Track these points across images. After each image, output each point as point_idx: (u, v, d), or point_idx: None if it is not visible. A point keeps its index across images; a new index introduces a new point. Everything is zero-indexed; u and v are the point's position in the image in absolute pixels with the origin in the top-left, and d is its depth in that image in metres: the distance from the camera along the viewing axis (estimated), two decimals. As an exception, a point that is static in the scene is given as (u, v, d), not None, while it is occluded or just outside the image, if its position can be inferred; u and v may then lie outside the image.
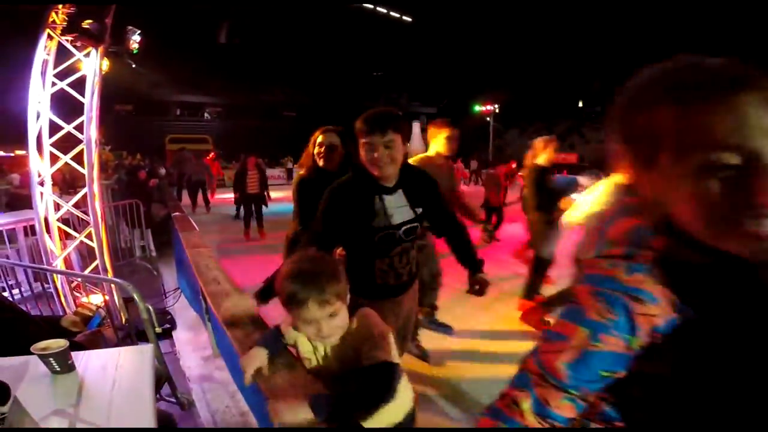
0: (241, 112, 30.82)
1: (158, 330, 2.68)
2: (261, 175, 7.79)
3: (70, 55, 3.59)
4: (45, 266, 3.43)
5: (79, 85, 3.60)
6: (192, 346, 3.47)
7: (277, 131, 28.79)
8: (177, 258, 4.87)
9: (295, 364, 1.38)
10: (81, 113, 3.55)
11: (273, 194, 8.72)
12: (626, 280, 0.63)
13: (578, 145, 27.43)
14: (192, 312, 3.98)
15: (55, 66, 3.60)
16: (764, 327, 0.59)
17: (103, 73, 3.66)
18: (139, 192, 6.45)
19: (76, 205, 3.72)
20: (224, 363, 3.00)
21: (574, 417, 0.69)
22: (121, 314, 3.28)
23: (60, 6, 3.39)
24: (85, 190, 3.61)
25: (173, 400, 2.58)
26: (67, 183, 6.36)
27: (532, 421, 0.68)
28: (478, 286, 1.96)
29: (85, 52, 3.57)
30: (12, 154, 15.11)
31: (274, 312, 1.51)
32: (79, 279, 3.69)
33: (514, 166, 10.71)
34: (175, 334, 3.59)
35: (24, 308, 2.23)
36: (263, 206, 7.79)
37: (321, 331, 1.21)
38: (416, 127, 18.79)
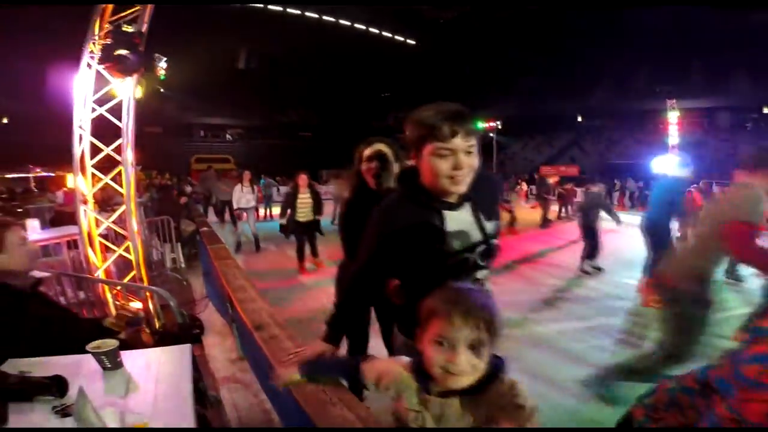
0: (260, 133, 31.43)
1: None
2: (314, 197, 6.08)
3: (107, 82, 3.66)
4: (89, 276, 3.54)
5: (116, 109, 3.69)
6: (219, 349, 3.55)
7: (293, 150, 29.22)
8: (204, 269, 4.97)
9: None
10: (118, 137, 3.69)
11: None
12: None
13: (578, 159, 27.37)
14: (219, 318, 4.07)
15: (94, 92, 3.68)
16: None
17: (137, 98, 3.76)
18: (169, 209, 6.60)
19: (114, 222, 3.85)
20: (248, 365, 3.08)
21: None
22: (156, 320, 3.38)
23: (97, 38, 3.53)
24: (123, 207, 3.74)
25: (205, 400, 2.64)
26: (104, 201, 6.54)
27: None
28: None
29: (121, 79, 3.63)
30: (53, 174, 15.55)
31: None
32: (119, 287, 3.80)
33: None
34: (204, 338, 3.68)
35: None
36: (318, 234, 6.25)
37: (456, 362, 0.94)
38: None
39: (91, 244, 3.69)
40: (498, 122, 27.73)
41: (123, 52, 3.40)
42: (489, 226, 1.34)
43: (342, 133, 25.77)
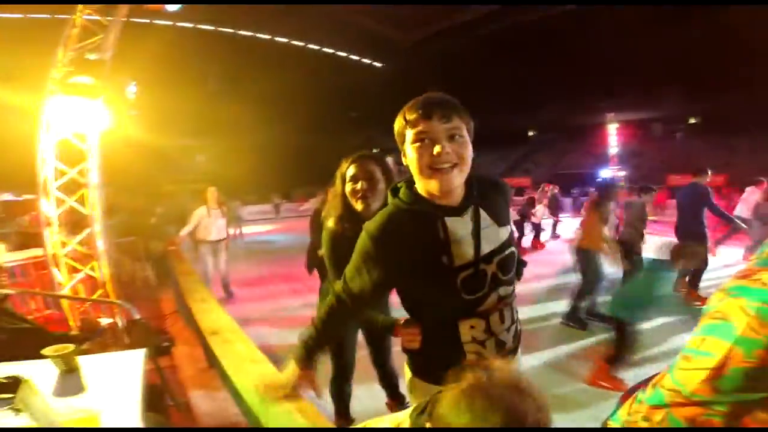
0: (231, 153, 30.89)
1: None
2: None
3: (73, 107, 3.57)
4: (56, 293, 3.48)
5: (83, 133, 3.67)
6: (188, 359, 3.54)
7: (264, 170, 28.90)
8: (173, 284, 4.95)
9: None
10: (84, 159, 3.66)
11: (265, 227, 7.45)
12: None
13: (531, 171, 28.33)
14: (190, 331, 4.04)
15: (59, 117, 3.60)
16: None
17: (105, 121, 3.70)
18: (139, 230, 6.52)
19: (81, 243, 3.79)
20: (216, 372, 3.09)
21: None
22: (125, 334, 3.33)
23: (60, 65, 3.51)
24: (88, 230, 3.69)
25: (172, 404, 2.64)
26: (74, 224, 6.39)
27: None
28: None
29: (84, 103, 3.57)
30: (21, 198, 14.91)
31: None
32: (87, 304, 3.73)
33: None
34: (174, 350, 3.65)
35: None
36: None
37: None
38: (390, 161, 19.12)
39: (57, 265, 3.61)
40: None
41: (85, 78, 3.42)
42: (502, 232, 1.10)
43: (317, 151, 25.74)
